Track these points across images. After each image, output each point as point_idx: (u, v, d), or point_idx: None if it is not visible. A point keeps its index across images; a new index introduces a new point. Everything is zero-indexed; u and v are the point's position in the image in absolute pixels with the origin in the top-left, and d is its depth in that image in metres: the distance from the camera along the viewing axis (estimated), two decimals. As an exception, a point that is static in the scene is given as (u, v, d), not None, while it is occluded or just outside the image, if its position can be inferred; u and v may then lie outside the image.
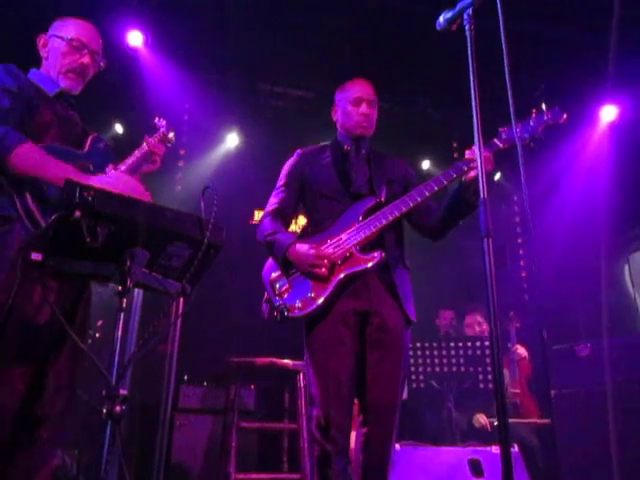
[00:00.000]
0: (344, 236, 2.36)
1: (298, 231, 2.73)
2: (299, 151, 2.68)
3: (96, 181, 1.81)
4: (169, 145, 2.44)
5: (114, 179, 1.90)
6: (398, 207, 2.35)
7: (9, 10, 4.20)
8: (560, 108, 2.38)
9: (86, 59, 2.14)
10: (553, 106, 2.40)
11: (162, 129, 2.41)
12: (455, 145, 6.35)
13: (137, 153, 2.29)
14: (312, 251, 2.31)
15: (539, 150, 2.42)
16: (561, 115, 2.38)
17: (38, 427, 1.89)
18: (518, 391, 4.48)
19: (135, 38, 4.86)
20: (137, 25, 4.82)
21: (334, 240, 2.37)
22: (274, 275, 2.46)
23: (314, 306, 2.29)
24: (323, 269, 2.29)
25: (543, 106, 2.39)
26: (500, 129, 2.37)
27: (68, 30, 2.15)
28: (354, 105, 2.57)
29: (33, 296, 1.83)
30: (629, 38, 4.27)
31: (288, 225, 2.60)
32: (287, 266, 2.38)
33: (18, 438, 1.88)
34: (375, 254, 2.30)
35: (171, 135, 2.42)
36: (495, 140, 2.37)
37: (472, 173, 2.28)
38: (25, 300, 1.80)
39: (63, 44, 2.12)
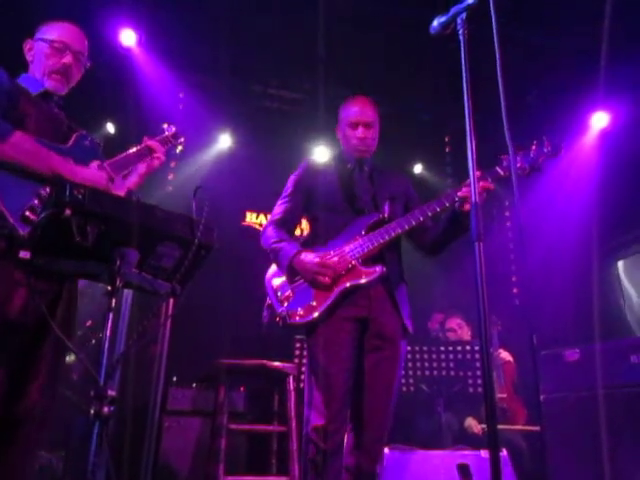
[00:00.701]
0: (347, 248, 2.43)
1: (303, 234, 2.76)
2: (304, 163, 2.74)
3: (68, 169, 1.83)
4: (176, 150, 2.49)
5: (80, 169, 1.94)
6: (401, 225, 2.43)
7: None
8: (559, 142, 2.47)
9: (68, 59, 2.17)
10: (553, 139, 2.48)
11: (167, 133, 2.45)
12: (448, 150, 6.37)
13: (129, 151, 2.32)
14: (317, 260, 2.38)
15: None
16: (560, 147, 2.46)
17: (19, 427, 1.88)
18: (505, 395, 4.49)
19: (128, 37, 4.84)
20: (130, 24, 4.80)
21: (337, 252, 2.43)
22: (277, 282, 2.52)
23: (315, 314, 2.36)
24: (327, 278, 2.35)
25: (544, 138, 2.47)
26: (501, 157, 2.43)
27: (51, 33, 2.20)
28: (351, 128, 2.62)
29: (8, 293, 1.82)
30: (620, 45, 4.30)
31: (292, 234, 2.65)
32: (291, 274, 2.44)
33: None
34: (377, 268, 2.38)
35: (180, 139, 2.48)
36: (497, 168, 2.45)
37: (466, 206, 2.33)
38: None
39: (46, 46, 2.17)
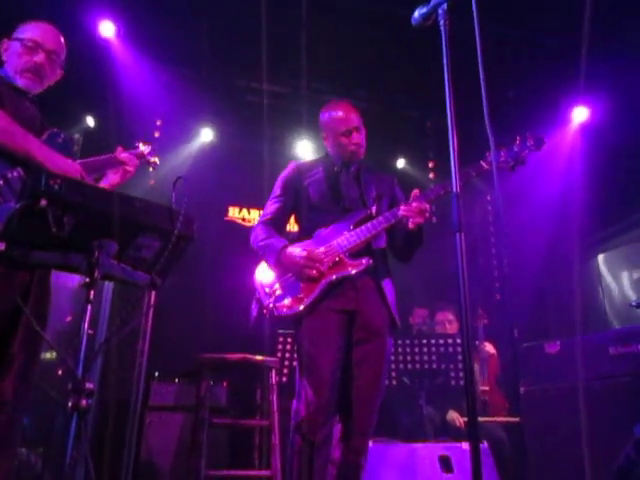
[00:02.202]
0: (334, 243, 2.48)
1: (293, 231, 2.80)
2: (293, 164, 2.78)
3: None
4: (149, 167, 2.50)
5: (56, 156, 1.94)
6: (387, 219, 2.49)
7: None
8: (541, 137, 2.56)
9: (39, 58, 2.17)
10: (536, 134, 2.56)
11: (143, 150, 2.48)
12: (430, 144, 6.39)
13: (102, 156, 2.35)
14: (304, 253, 2.43)
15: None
16: (542, 143, 2.56)
17: None
18: (487, 388, 4.53)
19: (107, 29, 4.76)
20: (109, 15, 4.72)
21: (325, 246, 2.48)
22: (266, 278, 2.56)
23: (302, 306, 2.41)
24: (314, 271, 2.40)
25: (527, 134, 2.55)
26: (487, 153, 2.49)
27: (25, 32, 2.21)
28: (345, 137, 2.67)
29: None
30: (599, 40, 4.35)
31: (281, 233, 2.68)
32: (280, 269, 2.50)
33: None
34: (363, 260, 2.44)
35: (153, 160, 2.49)
36: (481, 162, 2.52)
37: (410, 225, 2.44)
38: None
39: (18, 45, 2.17)
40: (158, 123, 5.58)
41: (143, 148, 2.54)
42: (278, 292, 2.48)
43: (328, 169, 2.71)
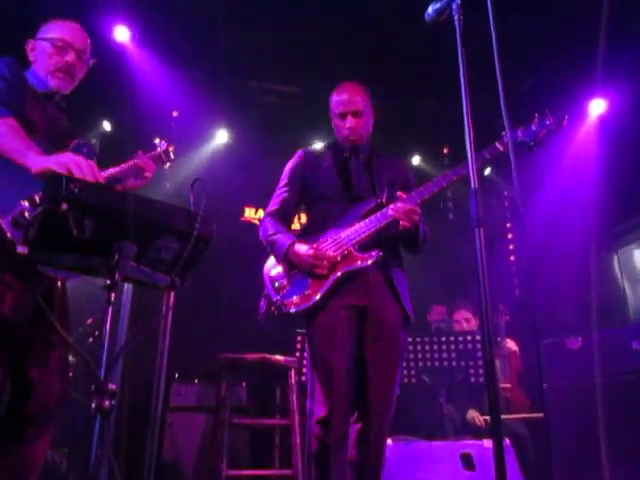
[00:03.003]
0: (343, 235, 2.41)
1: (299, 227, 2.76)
2: (300, 152, 2.71)
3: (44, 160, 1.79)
4: (165, 165, 2.48)
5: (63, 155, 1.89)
6: (378, 219, 2.40)
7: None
8: (560, 111, 2.43)
9: (71, 57, 2.17)
10: (555, 111, 2.44)
11: (160, 149, 2.44)
12: (445, 140, 6.35)
13: (124, 165, 2.34)
14: (311, 251, 2.37)
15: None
16: (563, 119, 2.43)
17: (28, 426, 1.89)
18: (509, 385, 4.49)
19: (122, 34, 4.80)
20: (124, 20, 4.77)
21: (334, 239, 2.42)
22: (274, 272, 2.51)
23: (310, 303, 2.34)
24: (323, 269, 2.34)
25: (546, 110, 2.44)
26: (503, 133, 2.37)
27: (53, 31, 2.19)
28: (340, 119, 2.60)
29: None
30: (617, 31, 4.28)
31: (290, 225, 2.64)
32: (288, 265, 2.44)
33: (7, 438, 1.86)
34: (373, 253, 2.36)
35: (171, 157, 2.48)
36: (496, 143, 2.42)
37: (402, 223, 2.37)
38: None
39: (48, 45, 2.16)
40: (173, 125, 5.62)
41: (158, 142, 2.50)
42: (286, 287, 2.42)
43: (337, 156, 2.64)
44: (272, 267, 2.54)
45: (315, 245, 2.42)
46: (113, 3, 4.51)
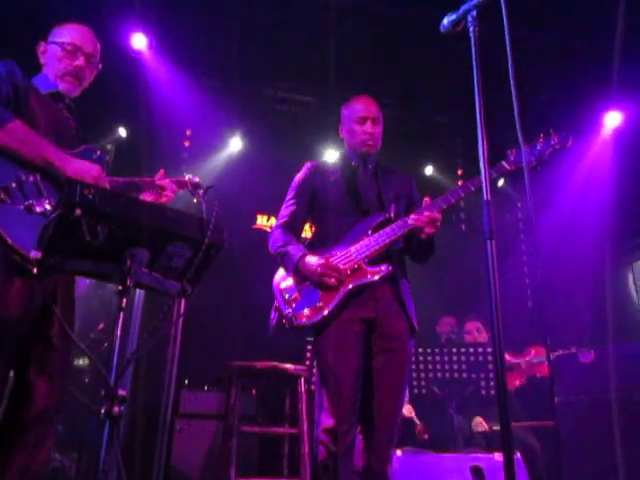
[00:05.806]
0: (353, 249, 2.43)
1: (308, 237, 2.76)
2: (309, 165, 2.72)
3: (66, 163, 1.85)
4: (194, 199, 2.40)
5: (73, 160, 1.94)
6: (399, 227, 2.43)
7: (11, 16, 4.20)
8: (566, 132, 2.42)
9: (80, 61, 2.19)
10: (560, 131, 2.43)
11: (187, 179, 2.43)
12: (459, 151, 6.34)
13: (142, 178, 2.37)
14: (322, 262, 2.38)
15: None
16: (567, 140, 2.42)
17: (28, 431, 1.88)
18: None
19: (139, 41, 4.87)
20: (141, 28, 4.83)
21: (343, 252, 2.44)
22: (284, 284, 2.52)
23: (321, 315, 2.35)
24: (333, 279, 2.35)
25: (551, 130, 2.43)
26: (508, 151, 2.41)
27: (63, 35, 2.22)
28: (359, 124, 2.62)
29: (7, 295, 1.82)
30: (632, 43, 4.26)
31: (299, 237, 2.64)
32: (298, 277, 2.45)
33: (8, 440, 1.86)
34: (382, 267, 2.38)
35: (200, 190, 2.33)
36: (503, 162, 2.44)
37: (422, 235, 2.39)
38: None
39: (58, 49, 2.19)
40: (188, 133, 5.66)
41: (189, 177, 2.46)
42: (297, 300, 2.43)
43: (346, 167, 2.66)
44: (282, 279, 2.54)
45: (325, 257, 2.43)
46: (131, 11, 4.56)
